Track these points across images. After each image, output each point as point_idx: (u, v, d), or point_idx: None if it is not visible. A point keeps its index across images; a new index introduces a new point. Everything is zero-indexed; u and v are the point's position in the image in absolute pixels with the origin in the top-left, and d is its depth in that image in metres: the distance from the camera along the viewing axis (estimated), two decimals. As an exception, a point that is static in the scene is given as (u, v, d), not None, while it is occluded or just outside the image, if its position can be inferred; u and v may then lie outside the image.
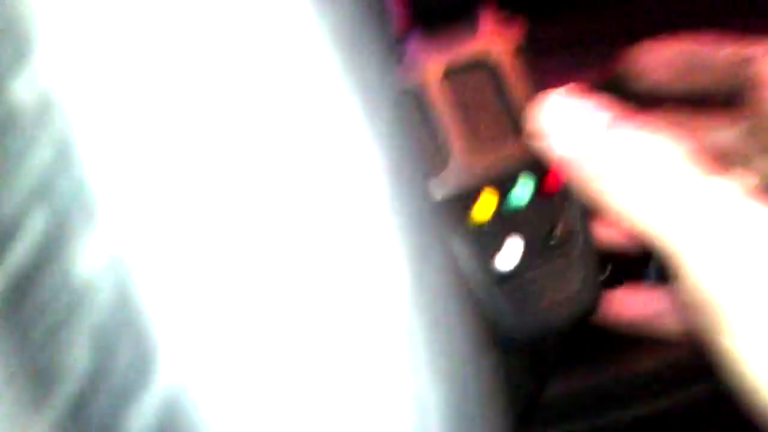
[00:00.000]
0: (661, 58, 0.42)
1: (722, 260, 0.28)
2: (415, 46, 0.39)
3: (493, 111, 0.39)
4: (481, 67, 0.39)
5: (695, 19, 0.54)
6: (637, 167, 0.30)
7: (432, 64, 0.39)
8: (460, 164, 0.38)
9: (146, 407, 0.16)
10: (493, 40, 0.40)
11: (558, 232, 0.39)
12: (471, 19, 0.40)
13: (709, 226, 0.28)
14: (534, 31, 0.43)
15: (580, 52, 0.51)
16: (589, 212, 0.40)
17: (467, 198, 0.38)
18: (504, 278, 0.38)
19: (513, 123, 0.39)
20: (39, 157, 0.17)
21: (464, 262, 0.38)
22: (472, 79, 0.39)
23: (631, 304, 0.41)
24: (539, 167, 0.39)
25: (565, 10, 0.54)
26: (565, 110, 0.32)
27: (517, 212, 0.38)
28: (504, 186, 0.38)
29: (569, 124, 0.31)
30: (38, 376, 0.17)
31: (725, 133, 0.40)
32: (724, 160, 0.40)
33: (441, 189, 0.38)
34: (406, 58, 0.38)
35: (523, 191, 0.38)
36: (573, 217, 0.39)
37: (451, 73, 0.39)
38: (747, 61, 0.38)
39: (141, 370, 0.16)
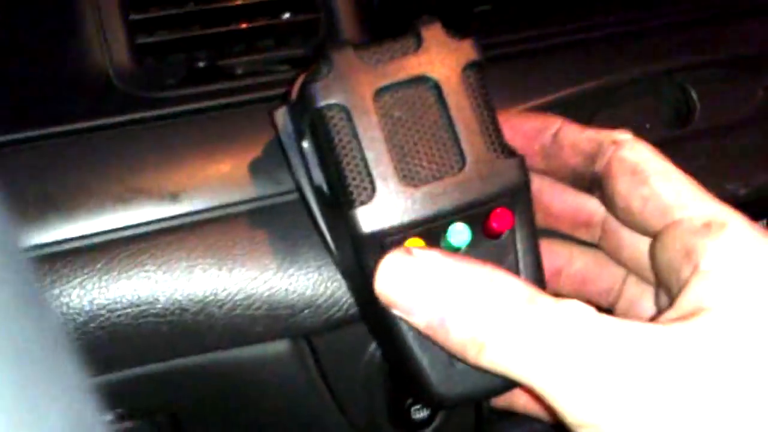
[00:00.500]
0: (524, 129, 0.38)
1: (589, 383, 0.28)
2: (350, 60, 0.34)
3: (433, 138, 0.34)
4: (422, 85, 0.34)
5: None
6: (493, 328, 0.29)
7: (368, 80, 0.34)
8: (387, 198, 0.33)
9: None
10: (443, 57, 0.34)
11: None
12: (414, 32, 0.35)
13: (571, 353, 0.28)
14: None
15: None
16: (538, 255, 0.35)
17: (394, 235, 0.33)
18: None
19: (457, 153, 0.34)
20: None
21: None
22: (412, 99, 0.34)
23: None
24: (481, 205, 0.34)
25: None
26: (404, 275, 0.31)
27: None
28: (437, 226, 0.33)
29: (416, 290, 0.31)
30: None
31: (591, 202, 0.38)
32: (587, 228, 0.38)
33: (366, 223, 0.33)
34: (340, 75, 0.33)
35: (460, 234, 0.34)
36: (520, 260, 0.35)
37: (387, 91, 0.34)
38: (604, 147, 0.35)
39: None
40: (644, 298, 0.37)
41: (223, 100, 0.42)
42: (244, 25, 0.47)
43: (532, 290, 0.30)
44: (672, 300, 0.31)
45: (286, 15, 0.48)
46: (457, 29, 0.36)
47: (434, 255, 0.31)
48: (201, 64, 0.44)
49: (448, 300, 0.30)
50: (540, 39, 0.50)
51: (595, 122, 0.47)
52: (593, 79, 0.48)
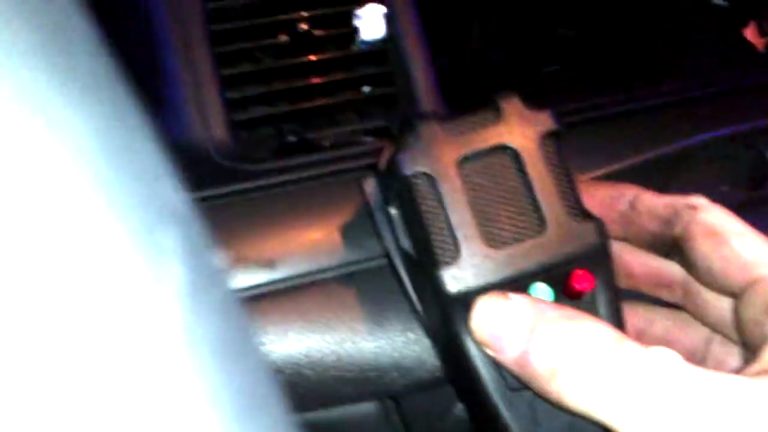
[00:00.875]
0: (601, 197, 0.39)
1: None
2: (433, 130, 0.36)
3: (514, 203, 0.36)
4: (503, 154, 0.36)
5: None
6: (576, 362, 0.30)
7: (451, 149, 0.36)
8: (472, 259, 0.35)
9: None
10: (520, 127, 0.37)
11: None
12: (496, 104, 0.37)
13: (657, 399, 0.29)
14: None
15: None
16: (621, 315, 0.36)
17: (479, 295, 0.34)
18: (519, 388, 0.34)
19: (537, 217, 0.36)
20: None
21: (476, 367, 0.35)
22: (493, 167, 0.36)
23: None
24: (562, 266, 0.35)
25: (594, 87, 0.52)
26: (496, 315, 0.33)
27: None
28: (519, 286, 0.35)
29: (506, 328, 0.33)
30: None
31: (671, 265, 0.39)
32: (669, 289, 0.39)
33: (451, 283, 0.35)
34: (425, 144, 0.36)
35: (542, 293, 0.35)
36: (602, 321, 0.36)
37: (469, 160, 0.36)
38: (681, 212, 0.36)
39: None
40: (730, 358, 0.37)
41: (313, 171, 0.45)
42: (327, 100, 0.50)
43: (621, 334, 0.31)
44: (755, 355, 0.31)
45: (366, 89, 0.51)
46: (528, 89, 0.38)
47: (528, 299, 0.33)
48: (291, 138, 0.47)
49: (537, 335, 0.32)
50: (613, 105, 0.52)
51: (670, 185, 0.48)
52: (668, 144, 0.50)
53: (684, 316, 0.39)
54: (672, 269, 0.38)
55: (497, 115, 0.37)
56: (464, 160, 0.36)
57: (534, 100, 0.38)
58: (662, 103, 0.52)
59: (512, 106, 0.37)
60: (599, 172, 0.47)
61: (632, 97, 0.53)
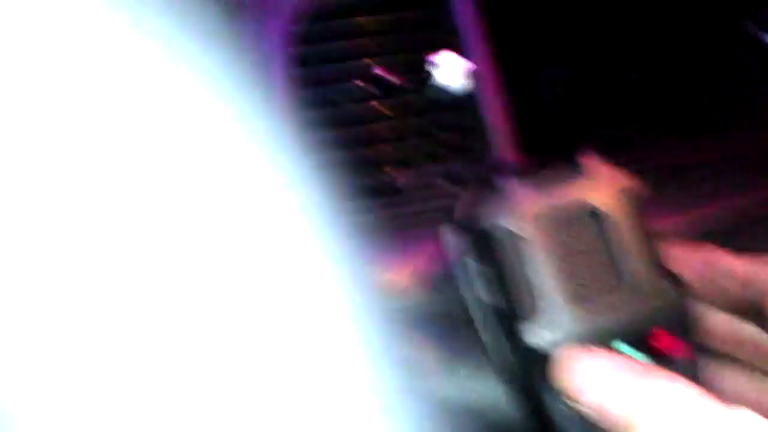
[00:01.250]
0: (680, 257, 0.39)
1: None
2: (514, 184, 0.37)
3: (595, 261, 0.36)
4: (582, 211, 0.37)
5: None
6: (657, 417, 0.31)
7: (531, 204, 0.37)
8: (551, 315, 0.35)
9: None
10: (600, 184, 0.37)
11: None
12: (575, 160, 0.38)
13: None
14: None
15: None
16: (700, 375, 0.37)
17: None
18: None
19: (617, 275, 0.36)
20: None
21: (553, 419, 0.35)
22: (573, 223, 0.37)
23: None
24: (642, 324, 0.36)
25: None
26: (579, 364, 0.34)
27: None
28: (599, 343, 0.35)
29: (588, 377, 0.33)
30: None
31: (750, 327, 0.39)
32: (747, 351, 0.39)
33: (531, 337, 0.35)
34: (505, 197, 0.37)
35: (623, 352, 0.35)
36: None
37: (549, 216, 0.37)
38: (761, 274, 0.37)
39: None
40: None
41: (389, 213, 0.46)
42: (403, 146, 0.51)
43: (704, 392, 0.31)
44: None
45: (442, 136, 0.52)
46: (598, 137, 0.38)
47: (610, 352, 0.34)
48: (368, 181, 0.48)
49: (618, 386, 0.32)
50: (685, 154, 0.52)
51: (745, 238, 0.48)
52: (739, 195, 0.50)
53: (762, 378, 0.39)
54: (751, 331, 0.39)
55: (577, 171, 0.37)
56: (544, 216, 0.36)
57: (606, 150, 0.38)
58: (734, 155, 0.52)
59: (592, 163, 0.38)
60: (670, 223, 0.48)
61: (703, 147, 0.53)
